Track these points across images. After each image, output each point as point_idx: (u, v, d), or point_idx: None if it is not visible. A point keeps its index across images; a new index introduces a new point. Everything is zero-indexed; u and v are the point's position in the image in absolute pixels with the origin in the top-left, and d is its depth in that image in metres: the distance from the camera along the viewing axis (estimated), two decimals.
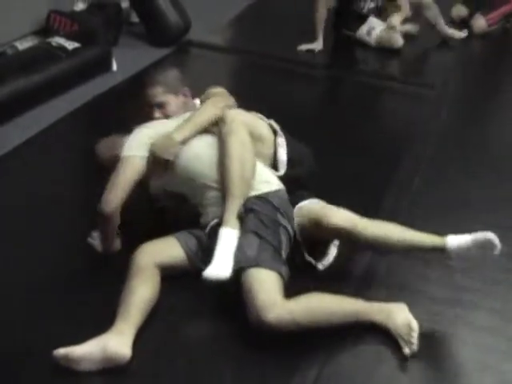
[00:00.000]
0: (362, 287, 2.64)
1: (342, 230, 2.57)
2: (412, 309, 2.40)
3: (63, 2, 5.15)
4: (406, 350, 2.29)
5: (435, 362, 2.35)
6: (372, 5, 5.36)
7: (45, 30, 4.98)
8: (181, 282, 2.53)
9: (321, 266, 2.70)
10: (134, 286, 2.37)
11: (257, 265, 2.39)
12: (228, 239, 2.48)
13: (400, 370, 2.30)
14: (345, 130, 3.99)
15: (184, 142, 2.69)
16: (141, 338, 2.31)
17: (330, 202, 2.82)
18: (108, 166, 2.73)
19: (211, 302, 2.53)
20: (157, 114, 2.90)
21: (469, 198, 3.30)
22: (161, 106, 2.90)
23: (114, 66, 4.71)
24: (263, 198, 2.61)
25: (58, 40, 4.49)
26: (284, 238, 2.56)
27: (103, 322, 2.31)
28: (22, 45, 4.72)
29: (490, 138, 4.02)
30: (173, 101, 2.92)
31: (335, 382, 2.25)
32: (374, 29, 5.30)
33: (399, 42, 5.24)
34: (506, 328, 2.52)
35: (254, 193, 2.62)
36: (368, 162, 3.55)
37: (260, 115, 2.95)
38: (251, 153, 2.67)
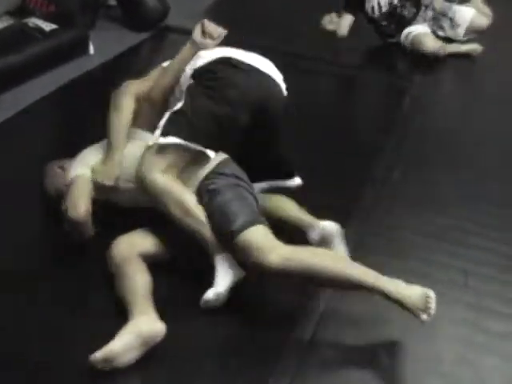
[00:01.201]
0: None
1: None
2: None
3: None
4: (424, 317, 2.25)
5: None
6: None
7: (20, 10, 4.89)
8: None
9: None
10: (130, 274, 2.38)
11: (244, 227, 2.39)
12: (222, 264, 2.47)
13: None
14: (322, 121, 3.98)
15: (119, 161, 2.70)
16: None
17: (308, 196, 2.87)
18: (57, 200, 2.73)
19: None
20: None
21: (445, 193, 3.33)
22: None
23: (91, 50, 4.65)
24: (211, 175, 2.60)
25: (35, 21, 4.42)
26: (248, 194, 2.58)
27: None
28: None
29: (469, 133, 4.04)
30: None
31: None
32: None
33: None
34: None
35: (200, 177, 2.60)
36: (346, 156, 3.56)
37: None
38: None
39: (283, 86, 2.75)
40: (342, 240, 2.69)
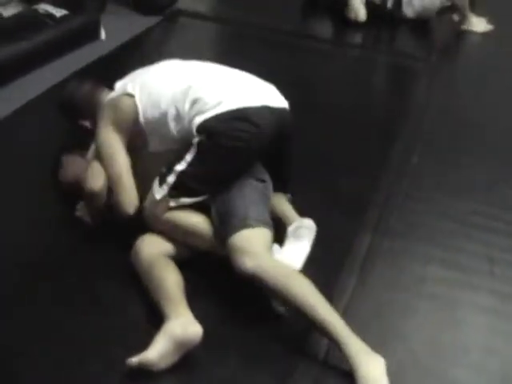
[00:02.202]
0: None
1: None
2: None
3: None
4: None
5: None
6: None
7: None
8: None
9: None
10: (160, 274, 2.33)
11: (245, 226, 2.34)
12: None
13: None
14: (336, 103, 3.91)
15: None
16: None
17: (326, 183, 2.81)
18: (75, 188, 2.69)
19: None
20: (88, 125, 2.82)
21: (468, 178, 3.25)
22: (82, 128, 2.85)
23: (103, 35, 4.59)
24: None
25: (45, 7, 4.37)
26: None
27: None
28: (7, 11, 4.56)
29: (487, 116, 3.94)
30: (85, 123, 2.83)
31: None
32: None
33: None
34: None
35: None
36: (363, 140, 3.49)
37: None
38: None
39: (285, 102, 2.63)
40: (311, 240, 2.59)
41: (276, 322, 2.33)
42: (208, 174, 2.48)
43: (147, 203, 2.54)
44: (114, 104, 2.65)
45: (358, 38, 5.27)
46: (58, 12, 4.33)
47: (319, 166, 3.16)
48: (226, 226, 2.38)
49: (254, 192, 2.50)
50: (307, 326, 2.21)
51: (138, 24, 4.89)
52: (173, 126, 2.54)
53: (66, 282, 2.49)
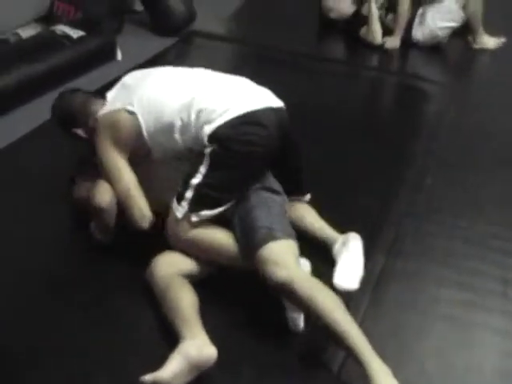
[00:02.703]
0: None
1: None
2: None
3: None
4: None
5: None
6: None
7: (47, 18, 4.91)
8: None
9: None
10: (176, 294, 2.33)
11: (272, 239, 2.35)
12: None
13: None
14: (351, 125, 3.93)
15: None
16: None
17: (340, 204, 2.86)
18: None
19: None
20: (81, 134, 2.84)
21: (482, 198, 3.24)
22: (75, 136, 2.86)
23: (119, 55, 4.64)
24: None
25: (63, 28, 4.41)
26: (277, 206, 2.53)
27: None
28: (25, 32, 4.63)
29: (500, 134, 3.92)
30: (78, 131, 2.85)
31: None
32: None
33: None
34: None
35: None
36: (377, 161, 3.49)
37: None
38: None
39: (282, 102, 2.64)
40: (359, 247, 2.66)
41: (289, 336, 2.35)
42: (225, 182, 2.47)
43: (169, 224, 2.53)
44: (113, 121, 2.63)
45: (371, 60, 5.27)
46: (75, 33, 4.38)
47: (333, 186, 3.16)
48: (252, 239, 2.38)
49: (275, 204, 2.51)
50: (321, 340, 2.24)
51: (154, 45, 4.92)
52: (178, 138, 2.54)
53: (79, 295, 2.51)
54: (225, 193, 2.48)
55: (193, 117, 2.48)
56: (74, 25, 4.51)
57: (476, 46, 5.21)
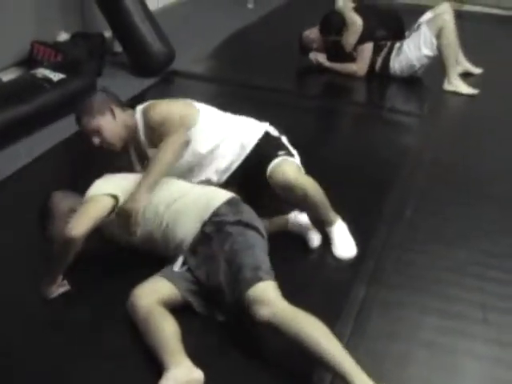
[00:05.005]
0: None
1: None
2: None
3: (46, 33, 5.15)
4: None
5: None
6: None
7: (28, 61, 4.96)
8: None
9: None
10: (157, 324, 2.35)
11: (258, 280, 2.38)
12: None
13: None
14: (333, 158, 3.98)
15: (150, 191, 2.70)
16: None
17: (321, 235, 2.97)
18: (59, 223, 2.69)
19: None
20: (96, 140, 2.90)
21: (461, 227, 3.30)
22: (95, 132, 2.90)
23: None
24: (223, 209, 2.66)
25: (43, 71, 4.46)
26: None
27: None
28: (6, 76, 4.68)
29: (480, 166, 4.01)
30: (104, 122, 2.91)
31: None
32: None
33: None
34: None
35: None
36: (357, 192, 3.54)
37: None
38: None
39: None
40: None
41: (278, 358, 2.38)
42: None
43: None
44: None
45: (351, 96, 5.37)
46: (56, 76, 4.42)
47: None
48: (240, 280, 2.41)
49: (257, 242, 2.57)
50: (310, 361, 2.26)
51: (133, 85, 4.97)
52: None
53: (66, 332, 2.52)
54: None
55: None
56: (54, 68, 4.56)
57: (447, 88, 5.12)
